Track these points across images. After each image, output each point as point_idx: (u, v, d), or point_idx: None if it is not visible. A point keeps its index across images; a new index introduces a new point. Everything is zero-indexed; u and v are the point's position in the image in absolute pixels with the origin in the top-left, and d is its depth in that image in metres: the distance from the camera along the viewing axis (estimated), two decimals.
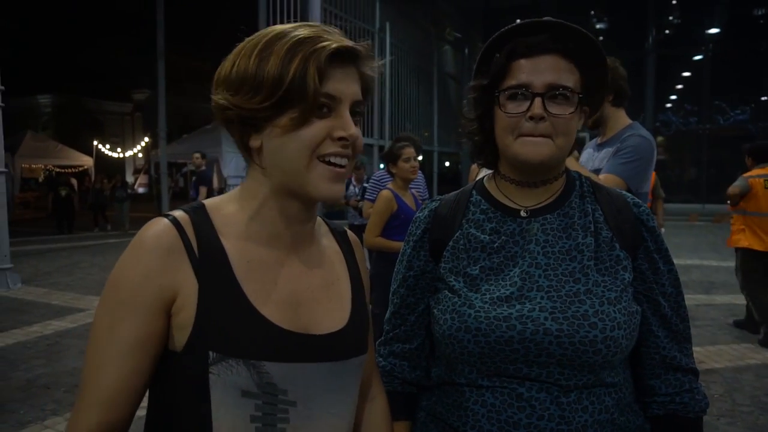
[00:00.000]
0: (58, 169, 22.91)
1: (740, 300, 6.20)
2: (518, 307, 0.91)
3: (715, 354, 4.42)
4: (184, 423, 0.75)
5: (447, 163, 24.89)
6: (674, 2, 20.96)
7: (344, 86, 0.77)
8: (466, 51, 21.69)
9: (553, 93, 0.91)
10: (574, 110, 0.92)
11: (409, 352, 1.07)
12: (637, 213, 0.99)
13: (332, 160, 0.76)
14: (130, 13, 31.23)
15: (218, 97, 0.77)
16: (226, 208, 0.82)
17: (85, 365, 0.74)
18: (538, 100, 0.90)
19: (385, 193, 3.39)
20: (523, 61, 0.93)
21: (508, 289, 0.93)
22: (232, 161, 15.19)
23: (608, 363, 0.89)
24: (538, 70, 0.92)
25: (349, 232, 0.99)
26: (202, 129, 16.50)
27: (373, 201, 4.62)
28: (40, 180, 23.12)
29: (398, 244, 3.21)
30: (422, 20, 17.64)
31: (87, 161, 21.50)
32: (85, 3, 35.26)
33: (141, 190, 28.87)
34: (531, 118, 0.91)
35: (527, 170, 0.98)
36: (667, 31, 21.57)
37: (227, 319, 0.74)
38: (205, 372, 0.72)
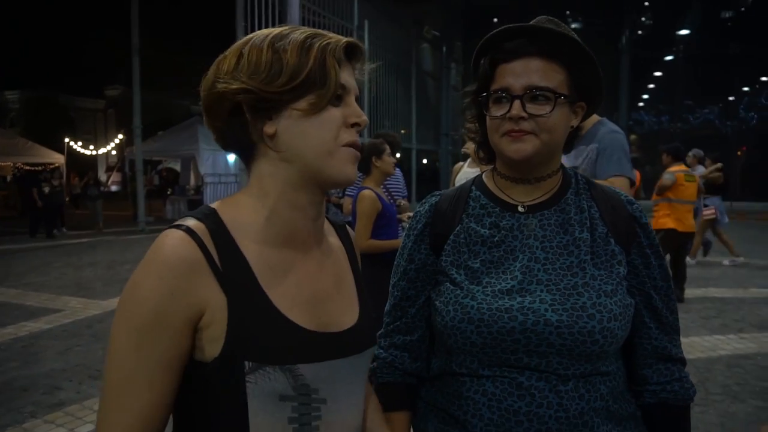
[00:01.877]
0: (27, 167, 22.35)
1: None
2: (519, 299, 0.94)
3: (687, 345, 4.55)
4: (219, 424, 0.75)
5: (425, 161, 25.01)
6: (647, 4, 21.42)
7: (351, 79, 0.82)
8: (445, 49, 21.82)
9: (532, 94, 0.95)
10: (552, 109, 0.95)
11: (409, 344, 1.10)
12: (630, 210, 1.03)
13: (350, 145, 0.80)
14: (102, 6, 30.55)
15: (232, 84, 0.76)
16: (239, 211, 0.81)
17: (109, 389, 0.72)
18: (516, 103, 0.95)
19: (367, 193, 3.28)
20: (504, 66, 0.98)
21: (509, 283, 0.97)
22: (209, 159, 15.04)
23: (604, 353, 0.93)
24: (516, 74, 0.96)
25: (348, 227, 1.01)
26: (179, 126, 16.26)
27: (352, 197, 4.63)
28: (8, 179, 22.48)
29: (395, 242, 3.22)
30: (401, 18, 17.69)
31: (58, 159, 20.98)
32: None
33: (114, 188, 28.32)
34: (510, 118, 0.96)
35: (517, 167, 1.02)
36: (640, 32, 22.04)
37: (259, 328, 0.74)
38: (242, 381, 0.73)
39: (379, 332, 1.13)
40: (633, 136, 15.62)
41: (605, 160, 2.26)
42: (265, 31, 0.80)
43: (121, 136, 27.84)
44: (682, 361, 1.04)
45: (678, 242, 6.11)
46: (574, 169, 2.34)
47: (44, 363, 4.29)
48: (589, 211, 1.02)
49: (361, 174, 4.69)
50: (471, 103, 1.07)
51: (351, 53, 0.82)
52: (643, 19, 22.10)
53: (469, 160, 3.92)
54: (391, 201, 4.03)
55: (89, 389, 3.76)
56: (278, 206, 0.80)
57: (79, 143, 29.02)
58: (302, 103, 0.76)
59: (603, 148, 2.27)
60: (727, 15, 21.25)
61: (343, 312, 0.86)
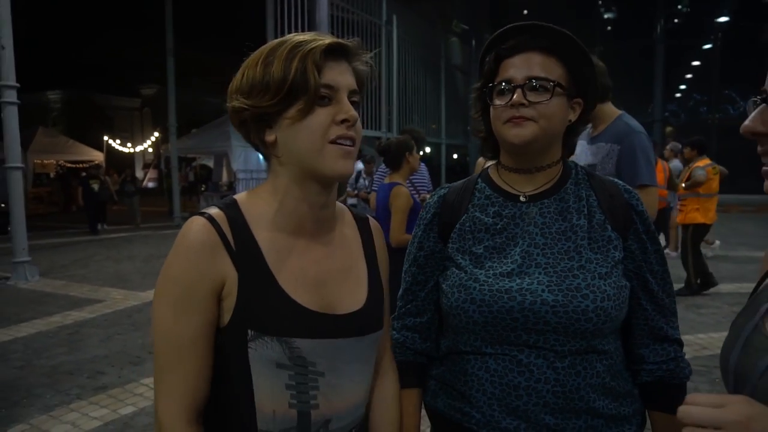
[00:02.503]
0: (69, 165, 23.19)
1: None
2: (518, 281, 1.02)
3: (718, 340, 4.49)
4: (231, 387, 0.88)
5: (455, 156, 24.90)
6: None
7: (339, 77, 0.89)
8: (474, 43, 21.64)
9: (532, 84, 1.03)
10: (551, 96, 1.03)
11: (420, 325, 1.19)
12: (628, 198, 1.09)
13: (339, 141, 0.88)
14: (137, 8, 31.35)
15: (234, 103, 0.89)
16: (255, 203, 0.93)
17: (159, 359, 0.86)
18: (518, 91, 1.03)
19: (403, 189, 3.39)
20: (507, 61, 1.07)
21: (509, 266, 1.04)
22: (240, 155, 15.31)
23: (599, 331, 1.00)
24: (519, 66, 1.05)
25: (372, 220, 1.09)
26: (212, 123, 16.61)
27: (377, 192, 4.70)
28: (52, 176, 23.39)
29: None
30: (429, 12, 17.63)
31: (98, 156, 21.75)
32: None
33: (150, 184, 29.09)
34: (512, 106, 1.04)
35: (519, 153, 1.09)
36: (675, 20, 21.39)
37: (262, 302, 0.86)
38: (245, 347, 0.85)
39: (393, 315, 1.22)
40: (669, 128, 15.21)
41: (628, 167, 2.26)
42: (269, 44, 0.90)
43: (156, 134, 28.59)
44: (679, 342, 1.09)
45: (702, 235, 6.31)
46: (592, 167, 2.36)
47: (88, 349, 4.53)
48: (587, 200, 1.08)
49: (386, 169, 4.77)
50: (477, 99, 1.15)
51: (338, 52, 0.89)
52: (679, 6, 21.45)
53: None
54: (415, 195, 4.10)
55: (130, 374, 3.97)
56: (286, 199, 0.92)
57: (117, 141, 29.94)
58: (292, 111, 0.86)
59: (625, 152, 2.27)
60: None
61: (348, 296, 0.95)
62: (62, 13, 35.79)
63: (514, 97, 1.03)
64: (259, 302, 0.86)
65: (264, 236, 0.90)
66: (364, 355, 0.96)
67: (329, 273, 0.94)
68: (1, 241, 10.25)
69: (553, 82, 1.03)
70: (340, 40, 0.89)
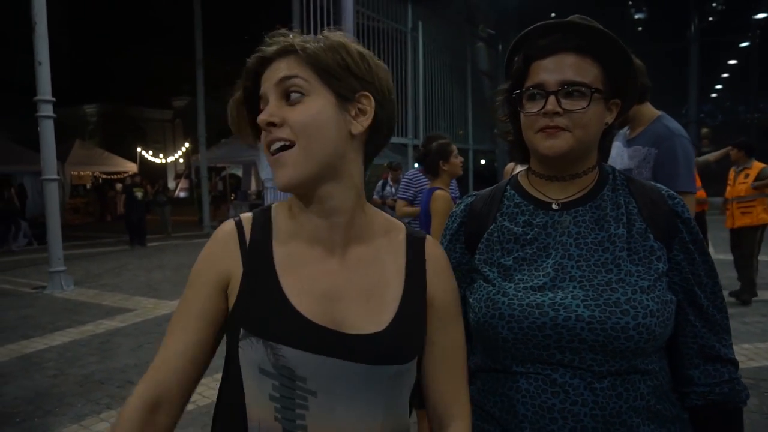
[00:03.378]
0: (104, 176, 23.83)
1: None
2: (551, 295, 0.94)
3: (765, 351, 4.26)
4: (229, 388, 0.86)
5: (483, 161, 24.66)
6: None
7: (268, 83, 0.84)
8: (500, 47, 21.45)
9: (566, 90, 0.94)
10: (588, 104, 0.94)
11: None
12: (672, 205, 1.00)
13: (271, 150, 0.83)
14: (167, 22, 32.17)
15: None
16: (282, 211, 0.93)
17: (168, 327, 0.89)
18: (551, 98, 0.94)
19: (441, 193, 3.26)
20: (538, 63, 0.97)
21: (541, 279, 0.96)
22: (268, 165, 15.45)
23: (641, 350, 0.91)
24: (551, 70, 0.95)
25: (430, 241, 0.95)
26: None
27: (406, 200, 4.63)
28: (88, 187, 24.09)
29: None
30: (455, 18, 17.56)
31: (132, 167, 22.29)
32: (123, 13, 36.55)
33: (182, 194, 29.66)
34: (545, 114, 0.95)
35: (551, 163, 1.01)
36: (710, 18, 20.78)
37: (257, 302, 0.83)
38: (236, 345, 0.83)
39: None
40: (705, 130, 14.73)
41: (666, 173, 2.11)
42: None
43: (187, 145, 29.17)
44: (733, 362, 0.99)
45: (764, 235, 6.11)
46: (628, 171, 2.24)
47: (119, 358, 4.58)
48: (626, 207, 0.99)
49: (412, 175, 4.71)
50: (504, 102, 1.07)
51: (271, 57, 0.83)
52: (713, 4, 20.83)
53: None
54: (458, 199, 4.02)
55: None
56: (293, 207, 0.90)
57: (150, 152, 30.66)
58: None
59: (663, 156, 2.13)
60: None
61: (364, 317, 0.84)
62: (97, 28, 36.99)
63: (548, 105, 0.94)
64: (255, 301, 0.83)
65: (281, 240, 0.89)
66: (377, 387, 0.82)
67: (345, 289, 0.85)
68: (38, 251, 10.54)
69: (591, 88, 0.94)
70: (264, 51, 0.84)
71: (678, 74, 19.01)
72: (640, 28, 21.23)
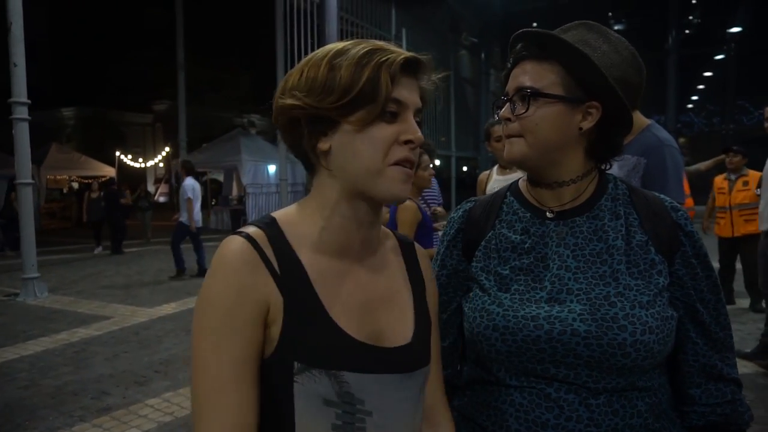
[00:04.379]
0: (81, 180, 23.37)
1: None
2: (547, 308, 0.91)
3: (744, 359, 4.31)
4: (268, 426, 0.77)
5: (465, 168, 24.82)
6: (694, 2, 20.67)
7: (410, 94, 0.80)
8: (483, 56, 21.65)
9: (519, 95, 0.95)
10: (526, 108, 0.94)
11: (441, 351, 1.07)
12: (675, 217, 0.97)
13: (401, 163, 0.79)
14: (149, 25, 31.88)
15: (287, 99, 0.80)
16: (297, 221, 0.84)
17: (198, 393, 0.74)
18: (506, 105, 0.97)
19: (410, 204, 3.25)
20: (511, 72, 1.01)
21: (537, 291, 0.94)
22: (250, 170, 15.36)
23: (639, 367, 0.88)
24: (512, 78, 0.99)
25: (417, 245, 0.98)
26: (222, 138, 16.71)
27: (388, 207, 4.61)
28: (65, 191, 23.59)
29: (430, 251, 3.19)
30: (439, 25, 17.69)
31: (110, 172, 21.90)
32: (105, 16, 36.10)
33: (162, 199, 29.29)
34: (504, 122, 0.98)
35: (525, 170, 1.03)
36: (687, 31, 21.26)
37: (310, 331, 0.76)
38: (290, 381, 0.75)
39: None
40: (682, 139, 15.03)
41: (656, 184, 2.07)
42: (330, 47, 0.81)
43: (168, 149, 28.82)
44: (736, 382, 0.96)
45: None
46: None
47: (94, 368, 4.45)
48: (626, 218, 0.97)
49: None
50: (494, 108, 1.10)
51: (412, 67, 0.81)
52: (690, 17, 21.33)
53: (496, 166, 3.83)
54: (427, 209, 4.00)
55: (135, 395, 3.87)
56: (334, 218, 0.82)
57: (129, 156, 30.20)
58: (353, 118, 0.77)
59: (653, 167, 2.11)
60: None
61: (396, 327, 0.85)
62: (78, 31, 36.45)
63: (502, 112, 0.97)
64: (308, 331, 0.76)
65: (308, 257, 0.80)
66: (413, 394, 0.84)
67: (375, 301, 0.84)
68: (11, 257, 10.27)
69: (534, 91, 0.93)
70: (417, 55, 0.81)
71: (656, 85, 19.39)
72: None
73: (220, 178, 19.68)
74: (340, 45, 0.81)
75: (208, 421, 0.73)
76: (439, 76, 0.86)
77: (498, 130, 3.29)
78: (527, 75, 0.95)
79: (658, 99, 19.55)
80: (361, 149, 0.77)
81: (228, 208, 16.89)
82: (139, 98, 35.06)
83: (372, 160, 0.78)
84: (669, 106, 20.10)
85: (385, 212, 4.58)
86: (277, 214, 0.84)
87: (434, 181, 4.28)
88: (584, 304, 0.90)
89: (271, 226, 0.81)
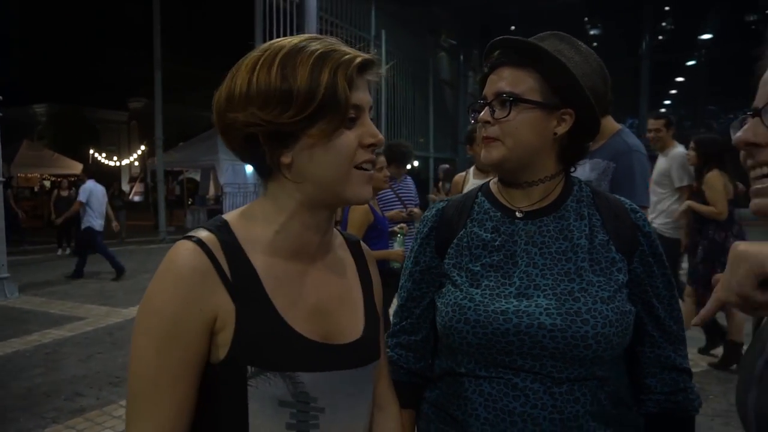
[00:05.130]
0: (53, 178, 22.85)
1: None
2: (515, 302, 0.96)
3: (709, 355, 4.45)
4: (222, 429, 0.78)
5: None
6: (667, 9, 21.16)
7: (364, 95, 0.80)
8: (462, 58, 21.83)
9: (498, 99, 1.00)
10: (508, 112, 0.98)
11: (414, 344, 1.12)
12: (634, 219, 1.03)
13: (364, 166, 0.81)
14: (125, 21, 31.33)
15: (239, 114, 0.76)
16: (250, 224, 0.83)
17: (134, 395, 0.75)
18: (486, 109, 1.01)
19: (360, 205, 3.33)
20: (488, 78, 1.05)
21: (507, 287, 0.99)
22: (228, 169, 15.21)
23: (599, 358, 0.93)
24: (491, 82, 1.03)
25: (363, 243, 1.01)
26: (199, 137, 16.52)
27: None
28: (36, 189, 23.04)
29: (382, 253, 3.21)
30: (418, 27, 17.77)
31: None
32: (80, 11, 35.36)
33: (137, 198, 28.80)
34: (483, 125, 1.02)
35: (498, 171, 1.07)
36: (660, 37, 21.75)
37: (264, 335, 0.77)
38: (244, 384, 0.76)
39: (387, 332, 1.15)
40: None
41: (623, 187, 2.16)
42: (277, 46, 0.78)
43: (143, 147, 28.37)
44: (688, 372, 1.03)
45: None
46: (588, 183, 2.32)
47: (66, 369, 4.38)
48: (589, 219, 1.03)
49: None
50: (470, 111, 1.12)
51: (365, 67, 0.80)
52: (663, 24, 21.82)
53: (472, 168, 3.90)
54: (404, 209, 4.04)
55: (109, 395, 3.83)
56: (290, 223, 0.82)
57: (103, 154, 29.67)
58: (314, 130, 0.76)
59: (621, 171, 2.19)
60: (751, 18, 20.85)
61: (347, 325, 0.87)
62: (50, 26, 35.62)
63: (481, 115, 1.01)
64: (262, 336, 0.77)
65: (261, 261, 0.80)
66: (364, 387, 0.87)
67: (328, 300, 0.86)
68: None
69: (516, 97, 0.98)
70: (369, 56, 0.80)
71: (630, 89, 19.79)
72: (595, 44, 22.02)
73: (197, 177, 19.47)
74: (288, 44, 0.78)
75: (143, 423, 0.73)
76: (387, 66, 0.86)
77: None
78: (506, 81, 1.00)
79: (632, 103, 19.95)
80: (326, 159, 0.77)
81: (205, 208, 16.69)
82: (115, 95, 34.42)
83: (338, 169, 0.78)
84: (642, 111, 20.52)
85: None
86: (229, 217, 0.83)
87: (410, 181, 4.33)
88: (550, 299, 0.95)
89: (222, 230, 0.80)
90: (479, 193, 1.13)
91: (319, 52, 0.76)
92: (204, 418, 0.78)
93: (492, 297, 0.98)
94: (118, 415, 3.50)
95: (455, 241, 1.07)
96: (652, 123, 4.61)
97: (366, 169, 0.81)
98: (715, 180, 3.98)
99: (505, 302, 0.96)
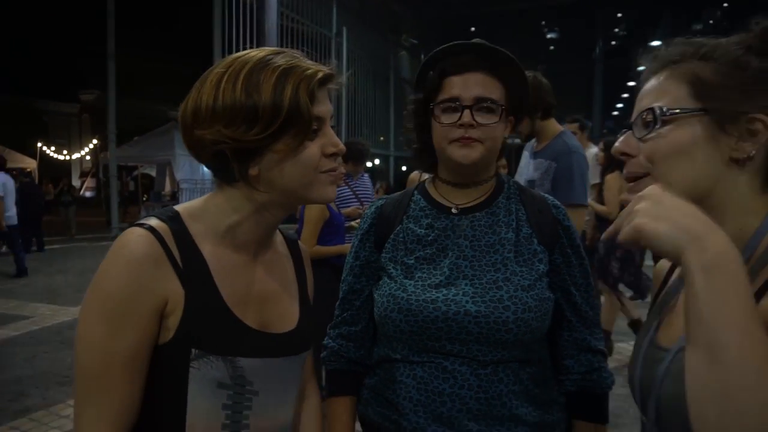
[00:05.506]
0: None
1: None
2: (445, 291, 1.03)
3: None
4: (160, 407, 0.81)
5: (404, 168, 25.12)
6: (620, 15, 21.95)
7: (325, 106, 0.85)
8: (422, 56, 21.96)
9: (479, 105, 1.05)
10: (498, 119, 1.06)
11: (354, 334, 1.18)
12: (555, 213, 1.12)
13: (329, 171, 0.85)
14: (76, 8, 30.17)
15: (206, 132, 0.79)
16: (202, 216, 0.86)
17: (85, 378, 0.76)
18: (467, 111, 1.05)
19: None
20: (453, 78, 1.07)
21: (437, 277, 1.06)
22: (185, 165, 14.90)
23: (520, 341, 1.02)
24: (467, 86, 1.06)
25: (300, 242, 1.07)
26: (154, 131, 16.08)
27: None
28: None
29: (337, 248, 3.25)
30: (379, 26, 17.83)
31: (30, 164, 20.63)
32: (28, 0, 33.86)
33: (88, 194, 27.81)
34: (461, 126, 1.05)
35: (462, 171, 1.11)
36: (613, 42, 22.53)
37: (209, 321, 0.81)
38: (186, 365, 0.80)
39: (330, 324, 1.22)
40: (601, 154, 15.92)
41: (562, 186, 2.33)
42: (240, 61, 0.81)
43: (95, 141, 27.41)
44: (602, 353, 1.12)
45: None
46: (532, 182, 2.46)
47: (11, 370, 4.23)
48: (516, 214, 1.11)
49: None
50: (414, 112, 1.16)
51: (326, 81, 0.84)
52: (616, 30, 22.61)
53: None
54: (361, 207, 4.08)
55: (56, 395, 3.72)
56: (244, 222, 0.86)
57: (52, 148, 28.53)
58: (279, 145, 0.80)
59: (561, 171, 2.34)
60: (697, 27, 21.86)
61: (284, 315, 0.93)
62: None
63: (464, 118, 1.04)
64: (207, 321, 0.81)
65: (210, 251, 0.84)
66: (294, 375, 0.94)
67: (269, 292, 0.92)
68: None
69: (501, 105, 1.06)
70: (328, 70, 0.85)
71: (585, 92, 20.46)
72: (552, 47, 22.62)
73: (153, 173, 18.96)
74: (250, 57, 0.82)
75: (94, 403, 0.76)
76: (347, 74, 0.91)
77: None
78: (483, 86, 1.06)
79: (587, 105, 20.62)
80: (292, 171, 0.82)
81: (160, 204, 16.25)
82: (65, 87, 33.09)
83: (302, 177, 0.83)
84: (595, 113, 21.24)
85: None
86: (181, 208, 0.87)
87: (367, 178, 4.37)
88: (477, 287, 1.03)
89: (174, 220, 0.83)
90: (415, 192, 1.19)
91: (281, 68, 0.80)
92: (145, 395, 0.81)
93: (424, 287, 1.04)
94: (66, 415, 3.41)
95: (392, 236, 1.13)
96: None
97: (332, 172, 0.86)
98: (613, 181, 4.25)
99: (435, 292, 1.03)
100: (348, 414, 1.15)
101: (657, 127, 0.74)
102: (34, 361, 4.45)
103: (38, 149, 23.92)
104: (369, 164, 14.89)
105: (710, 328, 0.55)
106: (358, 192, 4.10)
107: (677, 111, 0.73)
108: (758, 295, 0.65)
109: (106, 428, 0.75)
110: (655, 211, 0.60)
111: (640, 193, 0.64)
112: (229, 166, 0.81)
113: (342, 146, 0.86)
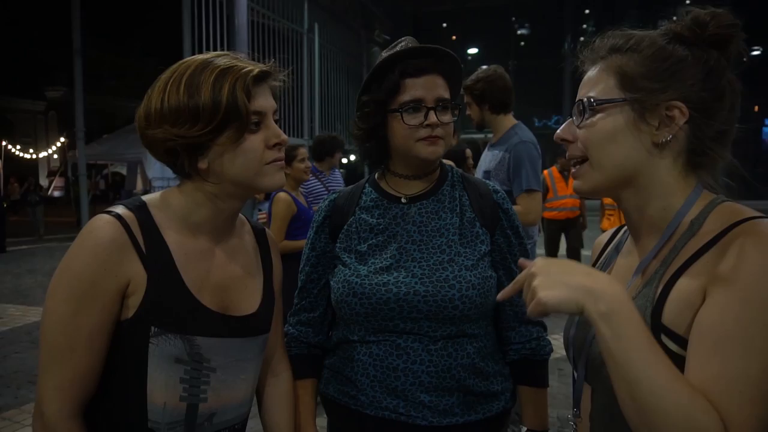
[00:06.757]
0: None
1: None
2: (395, 274, 1.13)
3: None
4: (124, 378, 0.90)
5: None
6: (587, 12, 22.36)
7: (266, 101, 0.93)
8: None
9: (441, 105, 1.15)
10: (452, 117, 1.17)
11: (313, 320, 1.27)
12: (495, 198, 1.23)
13: (274, 161, 0.93)
14: (43, 4, 29.32)
15: (157, 131, 0.88)
16: (166, 206, 0.95)
17: (51, 350, 0.85)
18: (432, 112, 1.14)
19: (283, 196, 3.34)
20: (412, 80, 1.15)
21: (388, 261, 1.15)
22: (156, 163, 14.66)
23: (466, 317, 1.12)
24: (428, 88, 1.15)
25: (268, 232, 1.15)
26: (124, 129, 15.80)
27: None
28: None
29: (304, 242, 3.30)
30: (352, 22, 17.82)
31: None
32: None
33: (57, 193, 27.11)
34: (428, 126, 1.13)
35: (423, 166, 1.20)
36: (582, 38, 22.94)
37: (169, 302, 0.90)
38: (146, 341, 0.88)
39: (290, 312, 1.30)
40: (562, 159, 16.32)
41: (515, 174, 2.48)
42: (184, 66, 0.90)
43: (63, 139, 26.75)
44: (542, 324, 1.24)
45: None
46: (488, 173, 2.61)
47: None
48: (460, 200, 1.21)
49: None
50: (371, 112, 1.19)
51: (262, 78, 0.93)
52: (585, 26, 23.04)
53: None
54: (300, 202, 4.13)
55: (28, 394, 3.72)
56: (204, 209, 0.95)
57: (18, 147, 27.73)
58: (222, 138, 0.89)
59: (513, 160, 2.49)
60: (662, 24, 22.39)
61: (245, 300, 1.01)
62: None
63: (431, 119, 1.12)
64: (167, 302, 0.89)
65: (173, 238, 0.92)
66: (253, 355, 1.02)
67: (230, 278, 0.99)
68: None
69: (458, 104, 1.16)
70: (264, 67, 0.92)
71: (554, 87, 20.80)
72: (522, 43, 22.94)
73: (123, 171, 18.63)
74: (192, 61, 0.91)
75: (56, 373, 0.84)
76: (284, 72, 0.98)
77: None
78: (441, 88, 1.15)
79: (556, 101, 20.99)
80: (238, 162, 0.90)
81: None
82: (30, 83, 32.13)
83: (248, 168, 0.91)
84: (565, 107, 21.59)
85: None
86: (147, 199, 0.95)
87: (338, 173, 4.44)
88: (424, 269, 1.12)
89: (140, 209, 0.92)
90: (366, 184, 1.28)
91: (220, 68, 0.88)
92: (108, 367, 0.90)
93: (376, 271, 1.13)
94: None
95: (345, 227, 1.22)
96: None
97: (277, 162, 0.94)
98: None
99: (387, 275, 1.12)
100: (309, 396, 1.23)
101: (588, 116, 0.83)
102: (5, 361, 4.42)
103: (2, 148, 23.21)
104: (344, 160, 14.93)
105: (622, 368, 0.66)
106: (330, 187, 4.17)
107: (603, 101, 0.81)
108: (678, 273, 0.73)
109: (64, 395, 0.84)
110: (548, 282, 0.70)
111: (531, 270, 0.73)
112: (181, 161, 0.90)
113: (284, 137, 0.93)
